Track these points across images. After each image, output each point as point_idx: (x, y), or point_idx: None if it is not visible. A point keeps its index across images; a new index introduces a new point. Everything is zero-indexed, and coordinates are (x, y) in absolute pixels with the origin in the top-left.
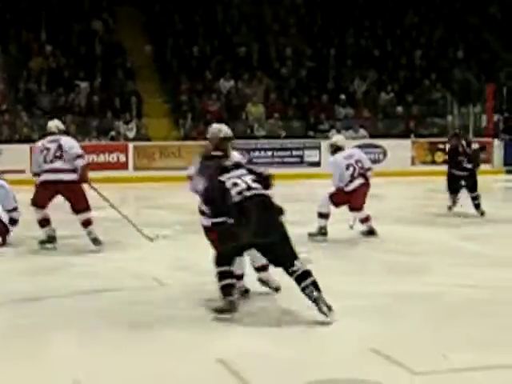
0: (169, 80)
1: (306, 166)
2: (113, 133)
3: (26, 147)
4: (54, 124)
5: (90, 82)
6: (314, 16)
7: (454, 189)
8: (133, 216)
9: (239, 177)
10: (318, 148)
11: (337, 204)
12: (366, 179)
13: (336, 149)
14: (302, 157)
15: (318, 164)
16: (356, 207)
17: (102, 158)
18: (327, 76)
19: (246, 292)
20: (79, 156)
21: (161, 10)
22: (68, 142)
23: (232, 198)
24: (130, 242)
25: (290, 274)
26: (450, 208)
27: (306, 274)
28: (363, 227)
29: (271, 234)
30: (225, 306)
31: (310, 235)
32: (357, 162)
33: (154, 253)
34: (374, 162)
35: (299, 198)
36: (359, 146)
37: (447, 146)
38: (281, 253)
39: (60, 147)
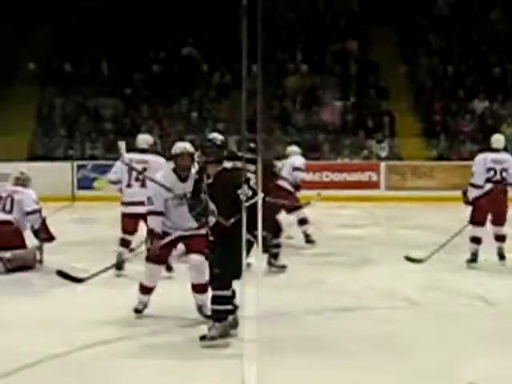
0: (422, 99)
1: None
2: (365, 152)
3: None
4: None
5: (344, 101)
6: None
7: None
8: (385, 236)
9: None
10: None
11: (477, 222)
12: (504, 191)
13: (491, 148)
14: None
15: None
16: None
17: (353, 177)
18: None
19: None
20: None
21: (415, 29)
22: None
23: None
24: (379, 260)
25: None
26: None
27: None
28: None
29: None
30: (220, 331)
31: (468, 262)
32: (502, 170)
33: (405, 272)
34: None
35: None
36: None
37: None
38: None
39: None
